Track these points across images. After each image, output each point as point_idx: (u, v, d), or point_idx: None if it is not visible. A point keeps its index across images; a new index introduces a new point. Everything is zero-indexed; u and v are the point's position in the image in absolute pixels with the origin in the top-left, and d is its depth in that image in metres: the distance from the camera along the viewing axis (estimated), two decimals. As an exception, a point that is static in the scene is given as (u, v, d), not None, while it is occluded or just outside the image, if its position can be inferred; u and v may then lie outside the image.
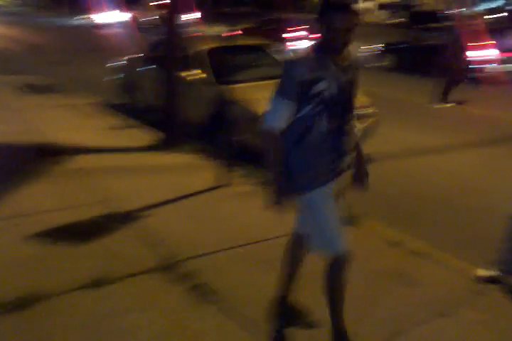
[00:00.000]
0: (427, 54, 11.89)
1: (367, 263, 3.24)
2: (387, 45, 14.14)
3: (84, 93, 9.03)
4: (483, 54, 11.40)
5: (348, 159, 2.44)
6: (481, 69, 11.34)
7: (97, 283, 2.96)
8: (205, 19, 25.98)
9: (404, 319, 2.78)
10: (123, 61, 8.33)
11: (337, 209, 2.39)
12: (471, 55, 10.16)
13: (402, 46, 13.75)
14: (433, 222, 4.31)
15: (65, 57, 14.92)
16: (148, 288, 2.98)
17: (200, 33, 10.01)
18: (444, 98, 9.24)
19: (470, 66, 10.21)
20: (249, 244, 3.53)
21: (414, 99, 9.74)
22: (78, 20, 31.87)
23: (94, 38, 21.98)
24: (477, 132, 7.45)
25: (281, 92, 2.26)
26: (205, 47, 6.53)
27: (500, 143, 6.84)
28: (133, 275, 3.09)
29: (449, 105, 9.19)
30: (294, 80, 2.21)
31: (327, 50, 2.24)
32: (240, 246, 3.50)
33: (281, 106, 2.25)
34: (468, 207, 4.61)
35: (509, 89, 10.63)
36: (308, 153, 2.32)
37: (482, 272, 3.23)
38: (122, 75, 8.20)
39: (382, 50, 14.10)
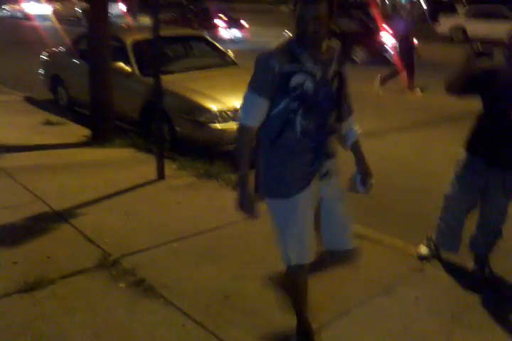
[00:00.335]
0: (348, 41, 12.55)
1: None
2: None
3: (9, 89, 8.61)
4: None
5: (330, 164, 2.28)
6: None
7: (32, 287, 2.85)
8: (131, 11, 25.32)
9: (345, 299, 2.89)
10: (46, 55, 8.00)
11: (308, 218, 2.25)
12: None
13: None
14: (372, 204, 4.45)
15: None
16: (86, 288, 2.92)
17: (125, 25, 9.71)
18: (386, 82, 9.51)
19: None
20: (185, 237, 3.52)
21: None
22: (2, 10, 30.23)
23: (16, 30, 20.88)
24: (410, 115, 7.77)
25: (254, 87, 2.12)
26: (130, 39, 6.39)
27: (433, 125, 7.18)
28: (70, 276, 3.01)
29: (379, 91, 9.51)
30: (267, 74, 2.08)
31: (301, 42, 2.09)
32: (176, 239, 3.48)
33: (255, 102, 2.12)
34: (406, 189, 4.81)
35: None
36: (283, 154, 2.18)
37: (422, 250, 3.39)
38: (46, 70, 7.87)
39: None
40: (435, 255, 3.37)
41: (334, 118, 2.27)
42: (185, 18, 17.69)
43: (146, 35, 6.31)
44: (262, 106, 2.13)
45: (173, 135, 5.43)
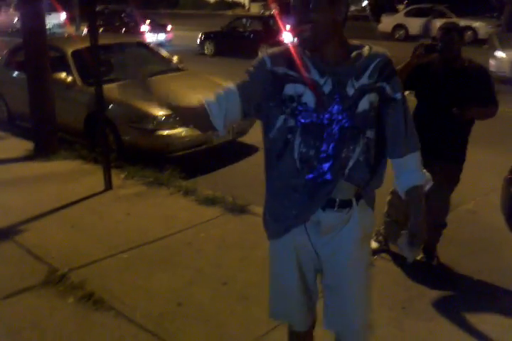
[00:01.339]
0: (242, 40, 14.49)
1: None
2: (205, 34, 15.60)
3: None
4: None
5: (334, 217, 1.68)
6: None
7: (-28, 309, 2.74)
8: (72, 19, 24.75)
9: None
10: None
11: (294, 277, 1.79)
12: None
13: (217, 34, 15.59)
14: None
15: None
16: (33, 306, 2.82)
17: (65, 34, 9.50)
18: None
19: None
20: (135, 247, 3.46)
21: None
22: None
23: None
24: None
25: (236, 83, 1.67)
26: (70, 48, 6.25)
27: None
28: (14, 295, 2.90)
29: None
30: (256, 68, 1.64)
31: (301, 44, 1.62)
32: (126, 250, 3.42)
33: (226, 91, 1.66)
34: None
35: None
36: (275, 186, 1.73)
37: (372, 244, 3.45)
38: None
39: (201, 39, 15.66)
40: (384, 248, 3.44)
41: (363, 152, 1.64)
42: (113, 25, 17.87)
43: (86, 44, 6.21)
44: (232, 96, 1.64)
45: (119, 144, 5.33)
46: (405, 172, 1.74)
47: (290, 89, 1.60)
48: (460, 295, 3.00)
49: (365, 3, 29.15)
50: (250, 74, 1.65)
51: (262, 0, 33.23)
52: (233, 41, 15.03)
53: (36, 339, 2.54)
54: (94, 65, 5.74)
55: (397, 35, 18.85)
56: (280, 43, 14.16)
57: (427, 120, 3.07)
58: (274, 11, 29.20)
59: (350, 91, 1.59)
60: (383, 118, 1.67)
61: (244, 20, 16.29)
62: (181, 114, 1.86)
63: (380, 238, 3.45)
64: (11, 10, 26.04)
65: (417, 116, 3.14)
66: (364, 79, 1.60)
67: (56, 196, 4.33)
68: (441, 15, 17.91)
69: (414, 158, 1.74)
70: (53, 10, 20.93)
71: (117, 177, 4.66)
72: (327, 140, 1.61)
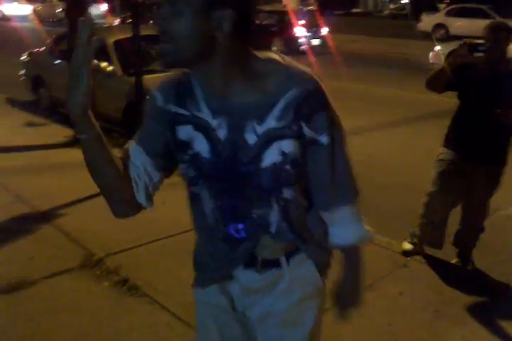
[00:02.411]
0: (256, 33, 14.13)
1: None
2: None
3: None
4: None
5: (256, 277, 1.32)
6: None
7: (14, 287, 2.83)
8: (113, 10, 25.14)
9: (328, 294, 2.89)
10: (26, 56, 7.92)
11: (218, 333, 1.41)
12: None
13: None
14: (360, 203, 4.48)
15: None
16: (70, 288, 2.90)
17: (107, 24, 9.67)
18: None
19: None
20: (169, 236, 3.51)
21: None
22: None
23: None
24: (382, 111, 7.85)
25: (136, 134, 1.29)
26: (112, 38, 6.35)
27: (415, 122, 7.25)
28: (52, 276, 2.98)
29: None
30: (150, 109, 1.25)
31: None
32: (160, 239, 3.47)
33: (133, 153, 1.26)
34: (389, 186, 4.84)
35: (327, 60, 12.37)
36: (198, 234, 1.40)
37: (406, 246, 3.42)
38: (28, 71, 7.79)
39: None
40: (419, 251, 3.40)
41: (282, 217, 1.26)
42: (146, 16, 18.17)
43: (128, 35, 6.30)
44: (142, 161, 1.25)
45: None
46: (333, 228, 1.35)
47: (182, 132, 1.21)
48: (495, 301, 2.96)
49: (404, 1, 28.69)
50: (146, 117, 1.26)
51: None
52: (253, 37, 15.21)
53: (73, 320, 2.61)
54: (134, 55, 5.86)
55: (437, 35, 18.51)
56: (292, 38, 14.66)
57: (468, 122, 3.03)
58: (312, 7, 29.18)
59: (251, 138, 1.17)
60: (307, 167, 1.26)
61: (259, 14, 16.24)
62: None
63: (415, 240, 3.41)
64: (55, 0, 26.59)
65: (458, 118, 3.11)
66: (270, 122, 1.16)
67: (91, 183, 4.40)
68: (485, 15, 17.49)
69: (345, 212, 1.33)
70: (94, 1, 21.35)
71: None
72: (232, 197, 1.25)
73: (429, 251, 3.37)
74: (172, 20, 1.06)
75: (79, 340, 2.48)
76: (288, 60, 1.20)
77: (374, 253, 3.38)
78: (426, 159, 5.39)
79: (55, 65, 6.98)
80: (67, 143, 5.50)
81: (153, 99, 1.23)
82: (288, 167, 1.19)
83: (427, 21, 19.38)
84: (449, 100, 3.07)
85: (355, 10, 32.21)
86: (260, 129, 1.16)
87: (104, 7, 23.78)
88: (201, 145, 1.20)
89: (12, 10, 27.84)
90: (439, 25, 18.75)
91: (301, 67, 1.19)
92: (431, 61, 11.77)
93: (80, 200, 4.07)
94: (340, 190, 1.30)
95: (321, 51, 14.91)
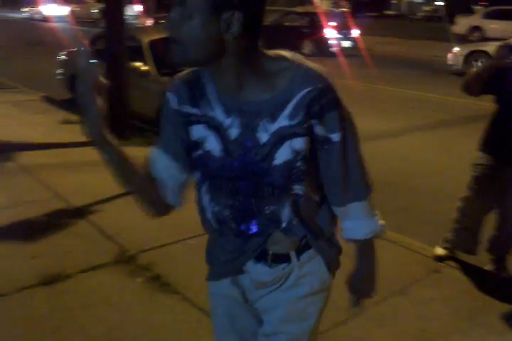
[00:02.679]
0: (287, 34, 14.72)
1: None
2: None
3: (29, 88, 8.75)
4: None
5: (267, 271, 1.36)
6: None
7: (50, 281, 2.90)
8: (148, 11, 25.51)
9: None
10: (64, 55, 8.11)
11: (234, 322, 1.47)
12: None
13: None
14: (389, 205, 4.43)
15: (4, 52, 14.33)
16: (104, 282, 2.95)
17: (142, 25, 9.82)
18: None
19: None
20: (201, 235, 3.52)
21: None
22: (22, 13, 30.79)
23: (34, 32, 21.20)
24: (416, 114, 7.76)
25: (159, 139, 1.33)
26: (147, 38, 6.45)
27: (450, 125, 7.15)
28: (87, 271, 3.05)
29: None
30: (166, 113, 1.28)
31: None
32: (192, 237, 3.50)
33: (157, 159, 1.31)
34: (422, 189, 4.79)
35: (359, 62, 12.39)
36: (209, 231, 1.44)
37: (438, 251, 3.37)
38: (65, 70, 7.97)
39: None
40: (452, 256, 3.35)
41: (294, 212, 1.28)
42: None
43: (163, 35, 6.39)
44: (166, 165, 1.30)
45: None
46: (348, 221, 1.37)
47: (195, 132, 1.24)
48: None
49: (438, 3, 28.27)
50: (163, 121, 1.30)
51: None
52: (278, 35, 14.98)
53: (107, 314, 2.66)
54: (168, 55, 5.94)
55: (472, 38, 18.19)
56: (323, 39, 14.82)
57: (506, 127, 2.97)
58: (344, 9, 29.05)
59: (263, 137, 1.18)
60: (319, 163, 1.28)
61: (291, 15, 16.49)
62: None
63: (448, 245, 3.36)
64: (92, 1, 27.13)
65: (495, 123, 3.05)
66: (283, 120, 1.17)
67: (127, 180, 4.49)
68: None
69: (359, 208, 1.34)
70: (129, 2, 21.69)
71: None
72: (242, 197, 1.26)
73: (463, 256, 3.32)
74: (182, 23, 1.08)
75: (112, 335, 2.52)
76: (299, 57, 1.20)
77: (406, 258, 3.36)
78: (460, 163, 5.30)
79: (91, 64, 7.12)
80: (102, 141, 5.62)
81: (167, 102, 1.26)
82: (299, 164, 1.21)
83: (461, 24, 19.09)
84: (485, 104, 3.02)
85: (387, 12, 31.92)
86: (272, 128, 1.17)
87: (138, 8, 24.14)
88: (213, 145, 1.22)
89: (50, 11, 28.57)
90: (474, 28, 18.42)
91: (313, 65, 1.19)
92: (449, 62, 11.75)
93: (114, 197, 4.14)
94: (353, 187, 1.31)
95: (351, 53, 14.92)
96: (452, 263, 3.31)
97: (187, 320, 2.65)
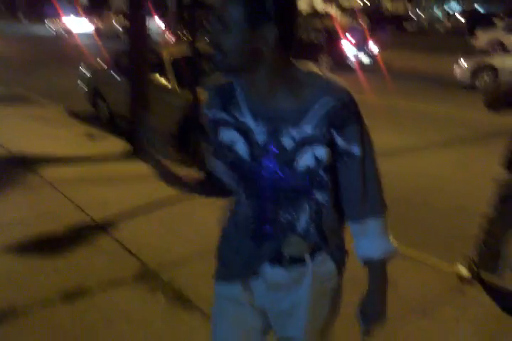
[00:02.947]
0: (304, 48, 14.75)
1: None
2: None
3: (52, 103, 8.91)
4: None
5: (283, 273, 1.41)
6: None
7: (73, 297, 2.92)
8: (169, 26, 25.88)
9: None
10: (87, 70, 8.26)
11: (241, 327, 1.49)
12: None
13: None
14: (411, 223, 4.39)
15: (30, 66, 14.67)
16: (125, 298, 2.97)
17: (163, 41, 9.98)
18: None
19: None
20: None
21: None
22: (45, 27, 31.54)
23: (57, 46, 21.67)
24: (437, 129, 7.72)
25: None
26: (169, 54, 6.55)
27: (472, 142, 7.08)
28: (109, 286, 3.06)
29: None
30: (208, 123, 1.40)
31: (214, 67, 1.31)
32: (211, 254, 3.49)
33: (216, 165, 1.43)
34: (444, 207, 4.73)
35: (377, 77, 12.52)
36: (230, 227, 1.50)
37: (462, 270, 3.32)
38: (88, 84, 8.12)
39: None
40: (476, 276, 3.30)
41: (312, 220, 1.36)
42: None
43: (184, 51, 6.49)
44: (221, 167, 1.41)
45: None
46: (363, 239, 1.39)
47: (224, 135, 1.33)
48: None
49: (459, 18, 28.20)
50: (208, 131, 1.41)
51: (351, 11, 33.21)
52: (296, 49, 15.30)
53: (128, 331, 2.67)
54: (190, 71, 6.02)
55: (493, 51, 18.06)
56: (341, 53, 14.92)
57: None
58: (363, 23, 29.17)
59: (288, 143, 1.26)
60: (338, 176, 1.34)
61: (308, 30, 16.53)
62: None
63: (471, 264, 3.31)
64: (116, 18, 27.70)
65: None
66: (307, 129, 1.24)
67: (149, 195, 4.54)
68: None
69: (375, 225, 1.37)
70: (150, 16, 22.07)
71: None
72: (263, 199, 1.34)
73: (487, 276, 3.26)
74: (221, 35, 1.20)
75: (134, 351, 2.53)
76: (326, 72, 1.28)
77: (428, 277, 3.31)
78: (480, 180, 5.26)
79: (114, 80, 7.25)
80: (124, 156, 5.69)
81: (204, 110, 1.38)
82: (321, 172, 1.28)
83: (483, 37, 18.96)
84: (508, 120, 2.99)
85: (407, 27, 31.90)
86: (296, 135, 1.25)
87: (160, 23, 24.54)
88: (241, 148, 1.30)
89: (74, 25, 29.22)
90: (496, 42, 18.29)
91: (337, 79, 1.27)
92: (458, 77, 11.68)
93: (136, 212, 4.19)
94: (370, 202, 1.35)
95: (370, 67, 14.97)
96: (476, 283, 3.26)
97: (208, 338, 2.64)
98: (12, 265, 3.31)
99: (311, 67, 1.28)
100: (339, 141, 1.26)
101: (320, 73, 1.26)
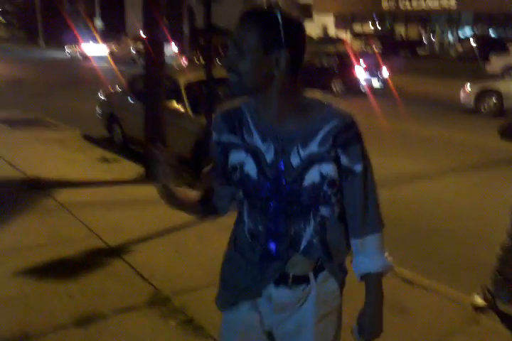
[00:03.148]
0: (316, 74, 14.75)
1: (359, 292, 3.27)
2: None
3: (67, 126, 9.06)
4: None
5: (288, 293, 1.47)
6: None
7: (85, 322, 2.92)
8: (183, 51, 26.38)
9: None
10: (103, 95, 8.42)
11: None
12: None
13: None
14: (423, 251, 4.36)
15: (46, 90, 14.98)
16: (138, 324, 2.96)
17: (177, 67, 10.15)
18: None
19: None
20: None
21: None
22: (62, 51, 32.30)
23: (74, 71, 22.13)
24: (449, 155, 7.71)
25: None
26: (183, 79, 6.66)
27: (487, 168, 7.05)
28: (121, 312, 3.06)
29: None
30: (212, 147, 1.51)
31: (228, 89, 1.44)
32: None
33: (216, 189, 1.55)
34: (459, 234, 4.69)
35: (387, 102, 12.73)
36: (232, 251, 1.57)
37: (477, 300, 3.27)
38: (103, 109, 8.26)
39: None
40: (491, 305, 3.25)
41: (316, 233, 1.44)
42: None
43: (198, 76, 6.60)
44: (222, 192, 1.54)
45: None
46: (361, 255, 1.48)
47: (234, 157, 1.43)
48: None
49: (472, 43, 28.33)
50: (211, 153, 1.53)
51: (364, 37, 33.58)
52: (308, 74, 15.28)
53: (140, 358, 2.66)
54: (203, 96, 6.12)
55: (508, 78, 18.09)
56: (353, 79, 15.10)
57: None
58: (376, 49, 29.43)
59: (295, 160, 1.37)
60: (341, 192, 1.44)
61: (320, 55, 16.68)
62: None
63: (487, 294, 3.26)
64: (130, 42, 28.29)
65: None
66: (313, 147, 1.36)
67: (162, 219, 4.56)
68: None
69: (374, 241, 1.46)
70: (165, 41, 22.55)
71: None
72: (272, 215, 1.43)
73: (502, 305, 3.21)
74: (237, 59, 1.32)
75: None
76: (329, 98, 1.42)
77: (443, 307, 3.26)
78: (494, 206, 5.22)
79: (129, 104, 7.37)
80: (138, 180, 5.75)
81: (211, 135, 1.50)
82: (325, 188, 1.39)
83: (496, 63, 18.99)
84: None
85: (420, 52, 32.10)
86: (303, 153, 1.36)
87: (174, 48, 25.00)
88: (251, 167, 1.40)
89: (90, 50, 29.87)
90: (510, 67, 18.30)
91: (340, 104, 1.41)
92: (462, 101, 11.71)
93: (149, 236, 4.20)
94: (371, 217, 1.46)
95: (382, 92, 15.04)
96: (491, 312, 3.20)
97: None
98: (26, 289, 3.33)
99: (316, 92, 1.42)
100: (343, 159, 1.38)
101: (326, 100, 1.40)
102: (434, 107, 12.82)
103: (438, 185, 6.23)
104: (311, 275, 1.47)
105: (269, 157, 1.38)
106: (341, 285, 1.54)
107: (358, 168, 1.39)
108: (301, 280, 1.46)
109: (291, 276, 1.45)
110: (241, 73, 1.31)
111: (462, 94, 11.65)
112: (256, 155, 1.39)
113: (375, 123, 10.29)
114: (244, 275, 1.49)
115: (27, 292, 3.28)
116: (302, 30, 1.35)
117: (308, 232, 1.42)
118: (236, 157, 1.42)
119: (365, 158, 1.41)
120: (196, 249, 4.02)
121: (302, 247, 1.43)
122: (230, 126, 1.43)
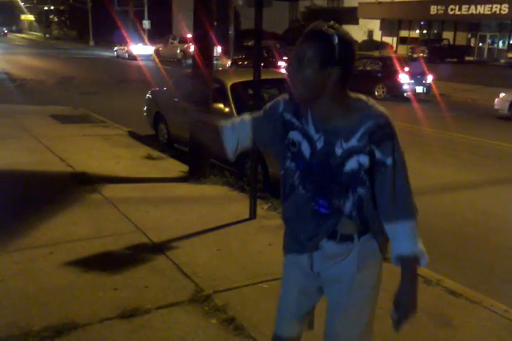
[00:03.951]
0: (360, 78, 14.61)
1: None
2: None
3: (115, 123, 9.30)
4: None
5: (336, 247, 1.78)
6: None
7: (129, 314, 3.00)
8: (227, 52, 26.63)
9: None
10: (150, 93, 8.58)
11: (300, 294, 1.93)
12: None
13: None
14: (468, 261, 4.27)
15: (95, 88, 15.40)
16: (180, 320, 3.01)
17: (223, 68, 10.24)
18: None
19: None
20: (275, 279, 3.53)
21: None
22: (112, 52, 33.15)
23: (121, 69, 22.65)
24: (493, 164, 7.53)
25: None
26: (230, 81, 6.72)
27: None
28: (164, 307, 3.12)
29: None
30: (272, 107, 1.82)
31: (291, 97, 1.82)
32: (266, 281, 3.51)
33: (242, 119, 1.87)
34: (505, 246, 4.58)
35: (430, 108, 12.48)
36: (288, 213, 1.89)
37: None
38: (150, 107, 8.42)
39: None
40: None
41: (356, 207, 1.74)
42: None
43: (244, 78, 6.65)
44: (245, 127, 1.85)
45: (266, 175, 5.56)
46: (395, 239, 1.73)
47: (293, 135, 1.76)
48: None
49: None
50: (265, 112, 1.84)
51: (410, 42, 33.07)
52: (353, 79, 15.41)
53: (182, 353, 2.70)
54: (248, 97, 6.14)
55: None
56: (396, 84, 15.02)
57: None
58: (421, 54, 28.91)
59: (339, 151, 1.69)
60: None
61: (365, 60, 16.73)
62: (199, 126, 2.01)
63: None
64: (176, 42, 28.72)
65: None
66: (353, 142, 1.67)
67: (204, 218, 4.62)
68: None
69: (405, 227, 1.70)
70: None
71: (261, 208, 4.85)
72: (319, 189, 1.76)
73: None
74: (298, 73, 1.63)
75: (185, 374, 2.55)
76: (372, 101, 1.70)
77: (490, 321, 3.18)
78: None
79: (174, 103, 7.49)
80: (182, 178, 5.84)
81: (277, 105, 1.81)
82: (362, 173, 1.69)
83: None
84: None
85: (468, 58, 31.37)
86: (346, 146, 1.68)
87: (218, 49, 25.25)
88: (306, 148, 1.74)
89: (137, 50, 30.48)
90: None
91: (380, 107, 1.69)
92: (496, 107, 11.87)
93: (191, 234, 4.26)
94: (401, 206, 1.70)
95: (425, 98, 14.77)
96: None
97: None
98: (72, 279, 3.44)
99: (361, 96, 1.71)
100: (377, 153, 1.67)
101: (367, 103, 1.68)
102: (480, 115, 12.52)
103: (485, 196, 6.07)
104: (355, 235, 1.77)
105: (319, 145, 1.71)
106: (382, 245, 1.81)
107: (389, 161, 1.66)
108: (347, 238, 1.77)
109: (339, 234, 1.76)
110: (300, 84, 1.63)
111: (496, 100, 11.84)
112: (310, 140, 1.72)
113: (419, 129, 10.14)
114: (304, 229, 1.81)
115: (74, 283, 3.39)
116: (353, 50, 1.63)
117: (348, 205, 1.73)
118: (295, 136, 1.75)
119: (395, 153, 1.67)
120: (238, 248, 4.05)
121: (347, 213, 1.74)
122: (295, 111, 1.75)
